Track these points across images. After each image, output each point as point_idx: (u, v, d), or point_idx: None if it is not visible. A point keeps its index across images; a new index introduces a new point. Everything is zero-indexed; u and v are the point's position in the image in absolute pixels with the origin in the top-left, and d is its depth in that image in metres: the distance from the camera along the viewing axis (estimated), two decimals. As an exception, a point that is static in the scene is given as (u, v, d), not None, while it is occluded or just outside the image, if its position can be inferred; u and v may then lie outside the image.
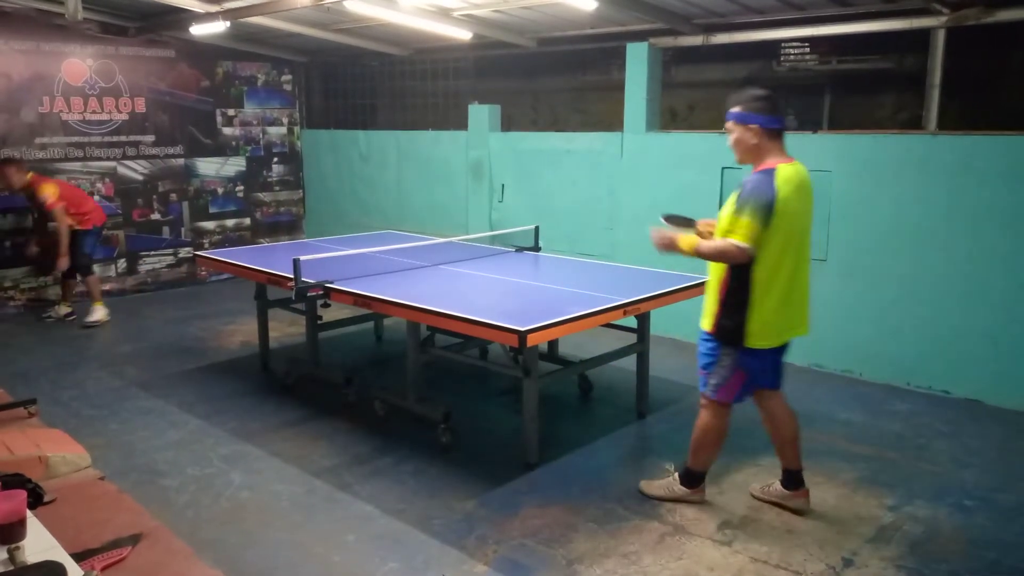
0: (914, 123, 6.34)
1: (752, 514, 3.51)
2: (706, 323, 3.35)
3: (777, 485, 3.58)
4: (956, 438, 4.35)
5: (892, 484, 3.78)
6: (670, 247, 3.33)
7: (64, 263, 6.53)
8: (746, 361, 3.29)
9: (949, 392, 4.96)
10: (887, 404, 4.86)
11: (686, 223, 3.57)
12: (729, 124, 3.26)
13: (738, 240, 3.08)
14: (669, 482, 3.64)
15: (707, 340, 3.36)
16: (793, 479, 3.53)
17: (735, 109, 3.23)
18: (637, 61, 6.29)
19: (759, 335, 3.22)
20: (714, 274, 3.33)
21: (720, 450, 3.56)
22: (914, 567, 3.10)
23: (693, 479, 3.58)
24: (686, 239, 3.28)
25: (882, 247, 5.12)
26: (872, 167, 5.12)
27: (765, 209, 3.06)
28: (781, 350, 3.40)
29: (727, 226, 3.17)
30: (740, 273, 3.19)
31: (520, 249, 5.62)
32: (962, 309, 4.86)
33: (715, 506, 3.58)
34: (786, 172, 3.15)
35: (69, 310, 6.93)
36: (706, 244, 3.22)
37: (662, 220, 3.62)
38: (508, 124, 8.02)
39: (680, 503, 3.58)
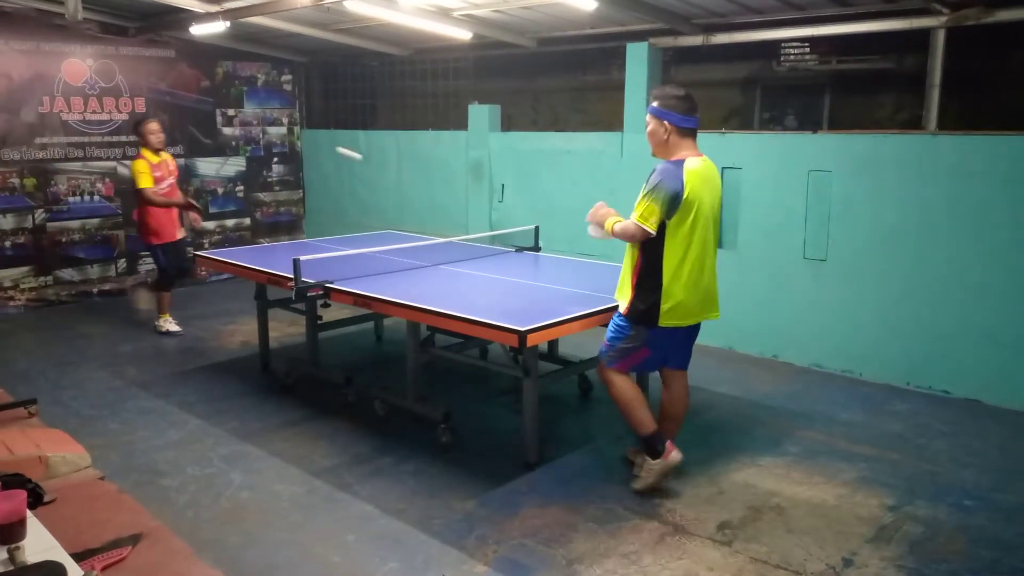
0: (914, 123, 6.34)
1: (752, 514, 3.51)
2: (621, 305, 3.59)
3: (647, 460, 3.65)
4: (956, 438, 4.35)
5: (892, 484, 3.78)
6: (600, 223, 3.59)
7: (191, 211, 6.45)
8: (656, 339, 3.55)
9: (949, 392, 4.96)
10: (887, 404, 4.86)
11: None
12: (647, 117, 3.51)
13: (639, 221, 3.36)
14: (644, 465, 3.66)
15: (620, 319, 3.60)
16: (656, 445, 3.62)
17: (653, 104, 3.47)
18: (637, 61, 6.29)
19: (670, 315, 3.47)
20: (628, 260, 3.58)
21: (647, 405, 3.68)
22: (914, 567, 3.10)
23: (652, 444, 3.61)
24: (610, 218, 3.55)
25: (882, 247, 5.12)
26: (872, 167, 5.12)
27: (670, 199, 3.32)
28: (691, 331, 3.67)
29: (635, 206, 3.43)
30: (651, 259, 3.43)
31: (520, 249, 5.62)
32: (962, 309, 4.86)
33: (715, 506, 3.58)
34: (693, 165, 3.39)
35: (176, 327, 6.60)
36: (618, 224, 3.49)
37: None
38: (508, 124, 8.02)
39: (662, 497, 3.58)
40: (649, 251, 3.43)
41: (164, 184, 6.32)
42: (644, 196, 3.37)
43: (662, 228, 3.38)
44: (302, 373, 5.18)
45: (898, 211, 5.05)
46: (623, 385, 3.66)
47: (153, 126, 6.33)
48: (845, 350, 5.38)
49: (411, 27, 6.56)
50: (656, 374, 3.90)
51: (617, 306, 3.64)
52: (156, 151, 6.31)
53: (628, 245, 3.55)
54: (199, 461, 4.07)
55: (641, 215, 3.35)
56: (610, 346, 3.63)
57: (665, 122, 3.41)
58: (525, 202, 7.11)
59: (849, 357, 5.38)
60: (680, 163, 3.38)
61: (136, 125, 6.48)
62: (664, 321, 3.46)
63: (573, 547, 3.24)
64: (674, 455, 3.61)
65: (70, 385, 5.24)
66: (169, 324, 6.56)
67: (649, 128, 3.48)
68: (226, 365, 5.71)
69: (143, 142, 6.29)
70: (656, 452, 3.60)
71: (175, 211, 6.43)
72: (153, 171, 6.23)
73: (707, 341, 6.04)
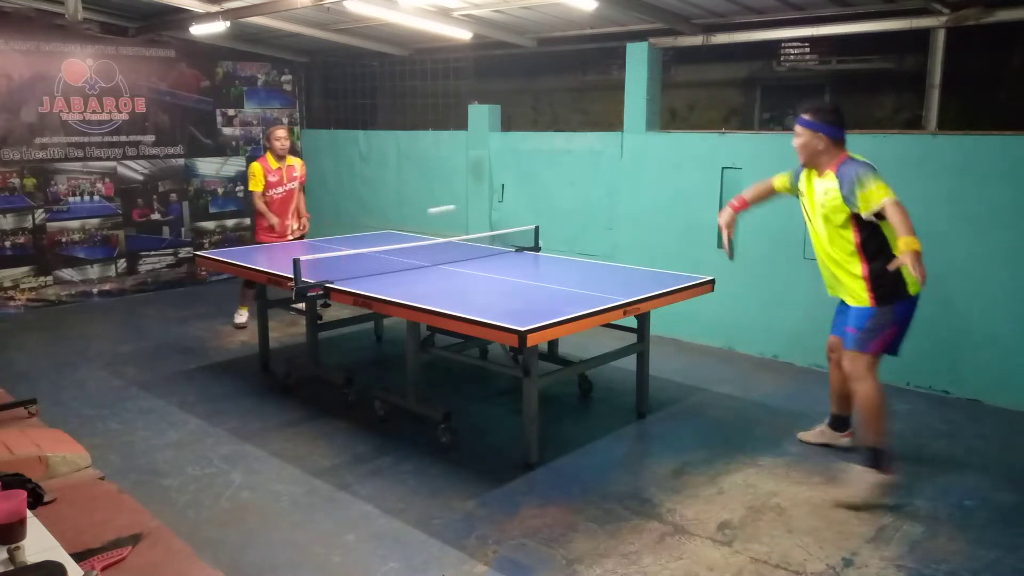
0: (914, 123, 6.35)
1: (752, 514, 3.51)
2: (859, 300, 3.61)
3: (825, 427, 4.15)
4: (956, 438, 4.35)
5: (892, 484, 3.78)
6: (911, 253, 3.28)
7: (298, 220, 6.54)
8: (902, 314, 3.61)
9: (949, 392, 4.96)
10: (887, 404, 4.85)
11: None
12: (798, 128, 3.69)
13: (886, 197, 3.38)
14: (863, 477, 3.59)
15: (865, 310, 3.60)
16: (844, 422, 4.11)
17: (806, 117, 3.66)
18: (637, 61, 6.29)
19: (912, 282, 3.51)
20: (839, 257, 3.65)
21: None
22: (914, 567, 3.10)
23: (882, 457, 3.59)
24: (906, 243, 3.26)
25: (882, 247, 5.12)
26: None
27: (877, 173, 3.48)
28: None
29: (861, 204, 3.44)
30: (877, 239, 3.53)
31: (520, 249, 5.62)
32: (962, 309, 4.86)
33: (715, 506, 3.58)
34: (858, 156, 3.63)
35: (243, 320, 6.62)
36: (902, 228, 3.30)
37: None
38: (508, 124, 8.02)
39: (662, 497, 3.58)
40: (871, 234, 3.54)
41: (280, 189, 6.42)
42: (868, 184, 3.42)
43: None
44: (302, 373, 5.18)
45: (898, 211, 5.04)
46: (877, 388, 3.62)
47: (280, 132, 6.40)
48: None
49: (411, 27, 6.56)
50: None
51: (847, 303, 3.67)
52: (279, 157, 6.37)
53: (828, 236, 3.65)
54: (199, 461, 4.07)
55: (887, 191, 3.40)
56: (858, 328, 3.61)
57: (820, 134, 3.62)
58: (525, 202, 7.11)
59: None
60: (852, 158, 3.60)
61: (264, 129, 6.54)
62: (913, 288, 3.53)
63: (573, 547, 3.24)
64: (847, 440, 4.07)
65: (70, 385, 5.24)
66: (239, 316, 6.62)
67: (802, 141, 3.68)
68: (226, 365, 5.71)
69: (268, 146, 6.39)
70: (883, 466, 3.58)
71: (287, 212, 6.49)
72: (268, 175, 6.34)
73: (707, 341, 6.07)
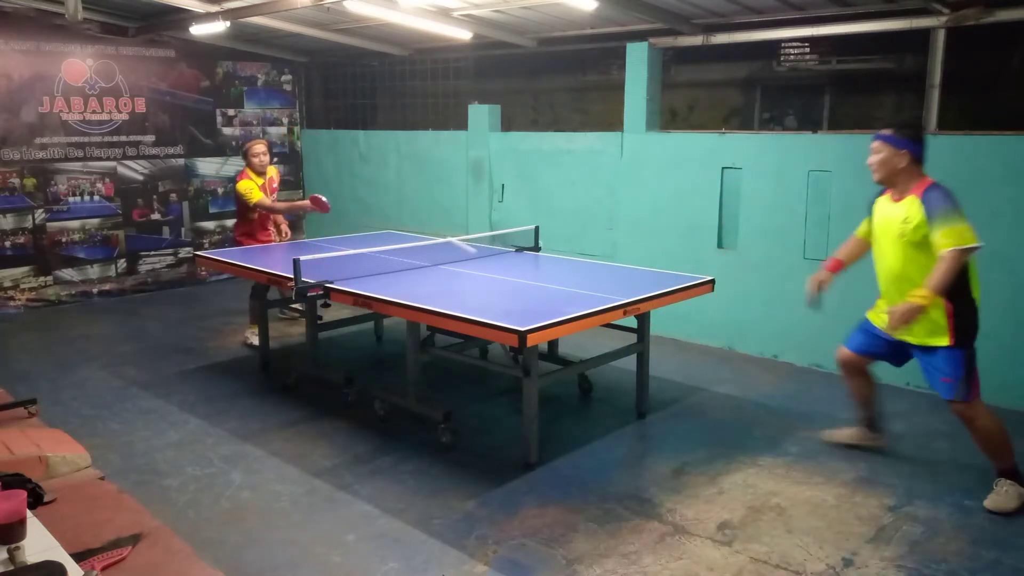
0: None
1: (752, 514, 3.51)
2: (939, 342, 3.46)
3: (861, 428, 4.12)
4: (956, 438, 4.34)
5: (892, 484, 3.78)
6: (916, 316, 3.30)
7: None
8: (975, 354, 3.49)
9: (949, 392, 4.96)
10: (887, 404, 4.85)
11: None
12: (877, 144, 3.53)
13: (964, 243, 3.25)
14: (1009, 492, 3.53)
15: (950, 354, 3.45)
16: (876, 424, 4.13)
17: (887, 132, 3.51)
18: (637, 61, 6.29)
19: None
20: (917, 284, 3.36)
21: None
22: (914, 567, 3.10)
23: (1017, 471, 3.57)
24: (918, 297, 3.26)
25: (882, 247, 5.12)
26: (872, 167, 5.12)
27: (961, 210, 3.34)
28: None
29: (940, 237, 3.29)
30: (960, 279, 3.34)
31: (520, 249, 5.62)
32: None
33: (715, 506, 3.58)
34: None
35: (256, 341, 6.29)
36: (935, 280, 3.24)
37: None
38: (508, 124, 8.02)
39: (661, 497, 3.58)
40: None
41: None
42: (946, 221, 3.28)
43: None
44: (302, 373, 5.18)
45: (898, 211, 5.04)
46: (993, 419, 3.54)
47: (258, 148, 6.18)
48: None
49: (411, 27, 6.56)
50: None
51: (928, 348, 3.51)
52: (259, 172, 6.19)
53: (904, 265, 3.48)
54: (199, 461, 4.07)
55: (961, 239, 3.24)
56: (956, 379, 3.46)
57: (904, 151, 3.46)
58: (525, 202, 7.11)
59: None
60: (938, 185, 3.45)
61: (242, 145, 6.43)
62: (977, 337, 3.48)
63: (573, 547, 3.24)
64: (883, 442, 4.12)
65: (70, 385, 5.24)
66: (252, 336, 6.14)
67: (880, 157, 3.51)
68: (226, 365, 5.71)
69: (247, 162, 6.18)
70: (1020, 478, 3.55)
71: (271, 221, 6.39)
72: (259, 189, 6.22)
73: (707, 341, 6.07)
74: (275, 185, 6.45)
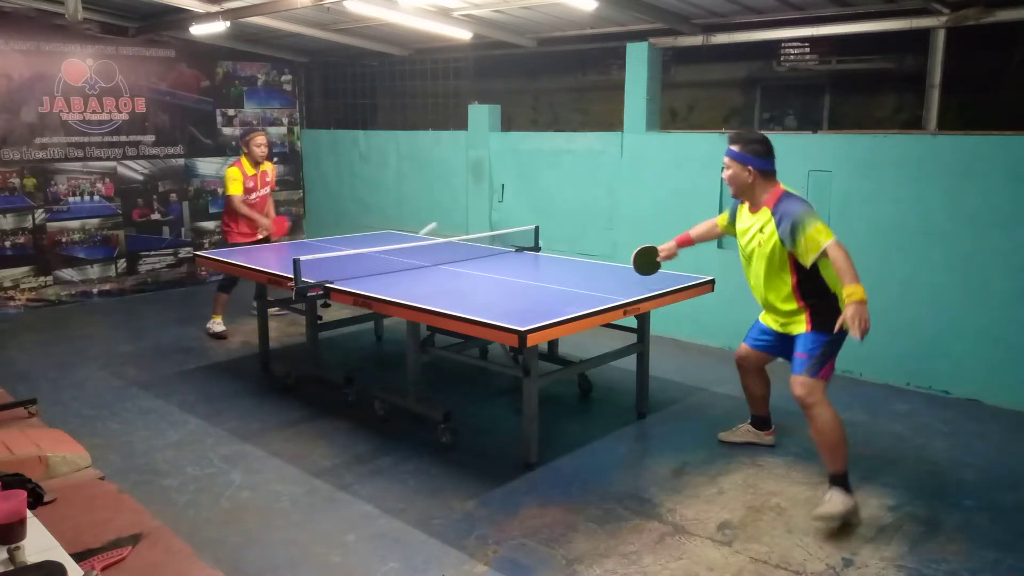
0: (914, 123, 6.35)
1: (752, 514, 3.51)
2: (799, 328, 3.59)
3: (749, 426, 4.23)
4: (956, 438, 4.35)
5: (892, 484, 3.78)
6: (865, 311, 3.23)
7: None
8: (839, 342, 3.53)
9: (949, 392, 4.96)
10: (887, 404, 4.86)
11: (650, 260, 4.22)
12: (726, 160, 3.60)
13: (829, 236, 3.32)
14: (835, 500, 3.37)
15: (811, 337, 3.53)
16: (765, 421, 4.22)
17: (733, 148, 3.58)
18: (637, 61, 6.29)
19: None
20: (777, 285, 3.61)
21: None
22: (914, 567, 3.10)
23: (846, 481, 3.43)
24: (850, 293, 3.22)
25: (882, 247, 5.12)
26: (872, 167, 5.12)
27: (815, 212, 3.44)
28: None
29: (802, 249, 3.37)
30: (808, 279, 3.49)
31: (520, 249, 5.62)
32: (962, 309, 4.86)
33: (715, 506, 3.58)
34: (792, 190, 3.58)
35: (222, 328, 6.44)
36: (844, 274, 3.26)
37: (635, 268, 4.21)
38: (508, 124, 8.03)
39: (661, 497, 3.58)
40: (807, 276, 3.48)
41: (254, 195, 6.38)
42: (807, 226, 3.34)
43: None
44: (302, 373, 5.18)
45: (898, 211, 5.05)
46: (835, 417, 3.47)
47: (260, 139, 6.34)
48: (845, 350, 5.28)
49: (411, 27, 6.56)
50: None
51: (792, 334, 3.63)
52: (255, 163, 6.32)
53: (765, 276, 3.61)
54: (199, 461, 4.07)
55: (826, 233, 3.33)
56: (809, 354, 3.50)
57: (749, 167, 3.54)
58: (525, 202, 7.11)
59: (849, 357, 5.32)
60: (790, 193, 3.54)
61: (243, 134, 6.50)
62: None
63: (573, 547, 3.24)
64: (770, 439, 4.21)
65: (70, 385, 5.24)
66: (216, 325, 6.45)
67: (730, 172, 3.59)
68: (226, 365, 5.71)
69: (246, 151, 6.33)
70: (850, 488, 3.42)
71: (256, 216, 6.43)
72: (246, 181, 6.28)
73: (707, 341, 6.07)
74: (268, 179, 6.53)
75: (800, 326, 3.59)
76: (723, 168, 3.64)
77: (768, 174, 3.56)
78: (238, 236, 6.41)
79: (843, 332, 3.38)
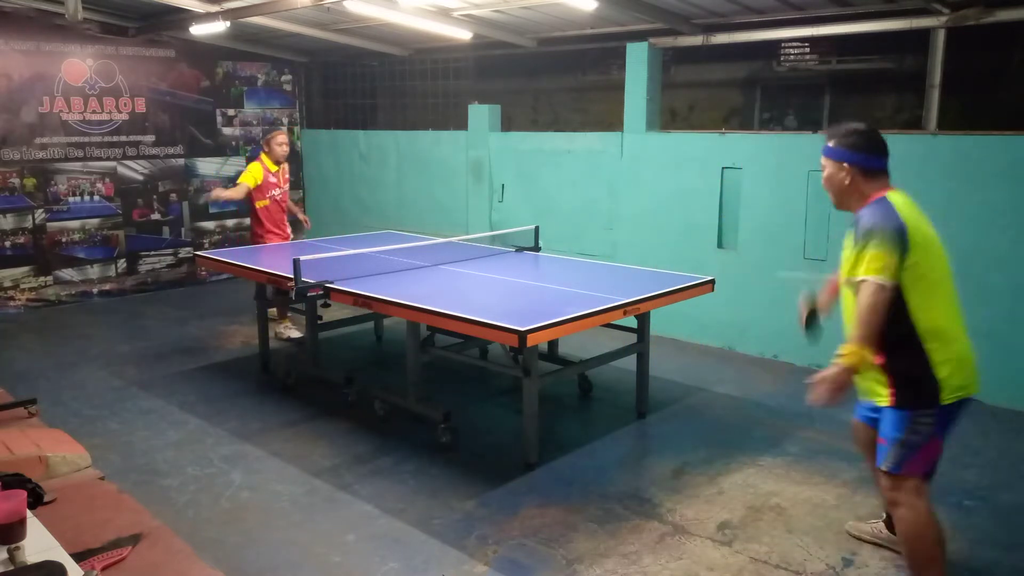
0: (914, 123, 6.35)
1: (752, 514, 3.51)
2: (881, 400, 2.73)
3: (882, 526, 3.26)
4: (956, 438, 4.32)
5: None
6: (846, 382, 2.57)
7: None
8: (944, 421, 2.72)
9: (949, 392, 4.95)
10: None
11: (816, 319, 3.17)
12: (822, 160, 2.85)
13: (870, 275, 2.54)
14: None
15: (892, 413, 2.71)
16: None
17: (829, 143, 2.82)
18: (637, 61, 6.29)
19: (954, 378, 2.65)
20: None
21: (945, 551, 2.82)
22: (914, 567, 3.09)
23: None
24: (847, 357, 2.56)
25: (882, 247, 5.11)
26: (872, 167, 5.11)
27: (896, 236, 2.56)
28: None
29: (851, 267, 2.65)
30: (899, 325, 2.61)
31: (520, 249, 5.62)
32: (962, 309, 4.85)
33: (715, 506, 3.58)
34: (899, 198, 2.73)
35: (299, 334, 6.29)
36: (856, 325, 2.58)
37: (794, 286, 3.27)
38: (508, 124, 8.03)
39: (661, 497, 3.58)
40: (894, 313, 2.59)
41: (277, 192, 6.32)
42: (871, 243, 2.57)
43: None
44: (302, 373, 5.18)
45: (898, 211, 5.04)
46: (925, 525, 2.73)
47: (282, 138, 6.26)
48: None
49: (411, 27, 6.56)
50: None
51: (878, 405, 2.77)
52: (277, 162, 6.26)
53: (851, 311, 2.72)
54: (199, 461, 4.07)
55: (881, 267, 2.53)
56: (890, 443, 2.70)
57: (845, 165, 2.76)
58: (525, 202, 7.11)
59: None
60: (883, 200, 2.71)
61: (264, 132, 6.43)
62: (948, 394, 2.63)
63: (573, 547, 3.24)
64: None
65: (70, 385, 5.24)
66: (290, 331, 6.33)
67: (825, 174, 2.83)
68: (226, 365, 5.71)
69: (267, 150, 6.25)
70: None
71: (284, 214, 6.42)
72: (267, 178, 6.21)
73: (707, 341, 6.07)
74: (287, 175, 6.54)
75: (882, 396, 2.72)
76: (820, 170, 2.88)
77: (873, 172, 2.75)
78: (273, 238, 6.33)
79: (943, 407, 2.64)
